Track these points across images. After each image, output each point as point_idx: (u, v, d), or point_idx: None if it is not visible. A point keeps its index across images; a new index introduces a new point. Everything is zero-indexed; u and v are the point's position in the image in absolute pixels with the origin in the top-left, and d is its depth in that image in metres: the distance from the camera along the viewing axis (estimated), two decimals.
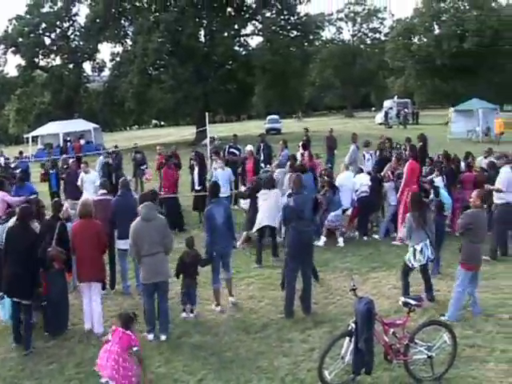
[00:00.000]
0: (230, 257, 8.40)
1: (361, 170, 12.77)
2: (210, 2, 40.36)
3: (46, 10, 46.85)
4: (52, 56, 48.45)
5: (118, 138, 43.19)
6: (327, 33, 72.07)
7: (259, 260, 10.22)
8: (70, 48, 47.72)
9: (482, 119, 30.60)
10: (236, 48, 43.07)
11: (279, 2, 42.40)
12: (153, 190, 9.60)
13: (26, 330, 7.10)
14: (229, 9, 43.06)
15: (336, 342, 5.77)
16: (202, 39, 42.44)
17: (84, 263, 7.48)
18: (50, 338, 7.41)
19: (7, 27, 45.47)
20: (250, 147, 14.89)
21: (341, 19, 75.02)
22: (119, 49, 45.66)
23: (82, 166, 14.04)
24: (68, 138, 36.16)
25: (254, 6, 42.87)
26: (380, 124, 45.75)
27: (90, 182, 13.22)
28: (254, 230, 10.59)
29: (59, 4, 46.85)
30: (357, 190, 11.83)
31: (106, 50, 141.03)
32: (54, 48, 48.07)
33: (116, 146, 20.85)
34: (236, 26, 42.69)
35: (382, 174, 11.91)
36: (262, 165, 14.92)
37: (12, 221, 7.63)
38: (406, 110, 45.75)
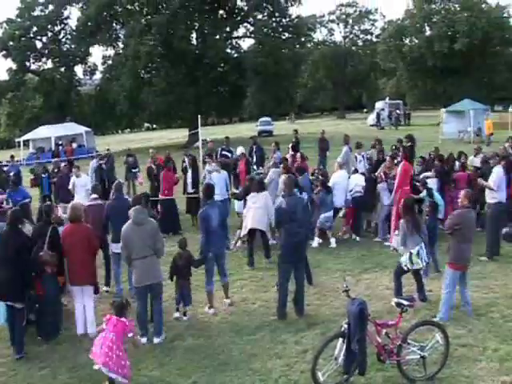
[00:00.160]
0: (225, 259, 8.43)
1: (356, 171, 12.81)
2: (202, 4, 40.38)
3: (37, 13, 46.74)
4: (43, 59, 48.42)
5: (110, 142, 42.98)
6: (319, 34, 72.55)
7: (251, 262, 10.24)
8: (61, 51, 47.63)
9: (474, 120, 30.77)
10: (228, 50, 43.05)
11: (271, 4, 42.48)
12: (145, 193, 9.57)
13: (18, 334, 7.06)
14: (220, 11, 43.08)
15: (329, 343, 5.78)
16: (194, 42, 42.41)
17: (75, 267, 7.46)
18: (43, 343, 7.38)
19: None
20: (241, 148, 14.90)
21: (332, 21, 75.44)
22: (111, 52, 45.62)
23: (74, 170, 13.99)
24: (60, 142, 36.02)
25: (246, 7, 42.93)
26: (372, 125, 45.90)
27: (82, 186, 13.19)
28: (243, 233, 10.61)
29: (50, 7, 46.69)
30: (351, 190, 11.87)
31: (98, 53, 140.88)
32: (46, 51, 47.97)
33: (108, 149, 20.80)
34: (228, 29, 42.72)
35: (376, 174, 11.97)
36: (255, 167, 14.95)
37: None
38: (397, 112, 45.93)
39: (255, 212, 10.11)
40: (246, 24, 44.52)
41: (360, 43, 76.71)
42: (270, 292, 8.65)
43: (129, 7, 41.40)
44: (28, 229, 7.86)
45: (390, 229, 11.17)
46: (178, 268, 7.90)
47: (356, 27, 75.99)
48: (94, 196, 9.67)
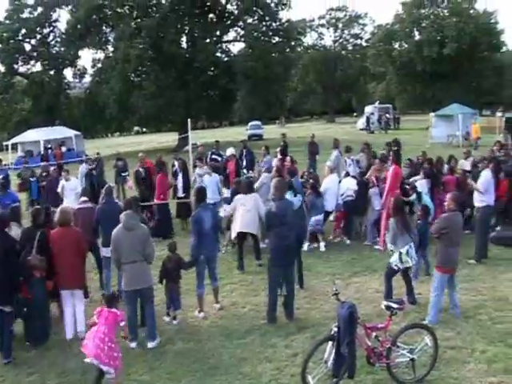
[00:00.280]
0: (217, 262, 8.43)
1: (348, 174, 12.84)
2: (192, 8, 40.40)
3: (25, 15, 46.42)
4: (32, 62, 48.05)
5: (99, 145, 42.85)
6: (309, 39, 72.89)
7: (241, 266, 10.23)
8: (50, 54, 47.33)
9: (462, 124, 31.04)
10: (218, 54, 43.09)
11: (261, 8, 42.60)
12: (135, 197, 9.54)
13: (6, 338, 6.99)
14: (210, 15, 43.15)
15: (319, 346, 5.79)
16: (184, 45, 42.41)
17: (64, 271, 7.41)
18: (31, 348, 7.32)
19: None
20: (231, 150, 14.88)
21: (322, 25, 75.91)
22: (100, 55, 45.46)
23: (64, 173, 13.92)
24: (49, 146, 35.73)
25: (236, 11, 43.01)
26: (362, 129, 46.14)
27: (71, 190, 13.13)
28: (233, 236, 10.60)
29: (39, 10, 46.45)
30: (342, 194, 11.91)
31: (88, 56, 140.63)
32: (34, 54, 47.69)
33: (98, 153, 20.72)
34: (218, 32, 42.77)
35: (366, 177, 12.04)
36: (245, 171, 14.97)
37: None
38: (387, 116, 46.26)
39: (245, 215, 10.09)
40: (236, 28, 44.67)
41: (350, 47, 77.22)
42: (260, 296, 8.65)
43: (118, 10, 41.37)
44: (16, 232, 7.81)
45: (380, 232, 11.25)
46: (168, 271, 7.89)
47: (346, 31, 76.47)
48: (84, 199, 9.61)
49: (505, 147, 15.64)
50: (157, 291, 7.69)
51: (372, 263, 10.16)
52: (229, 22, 43.81)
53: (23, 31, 45.71)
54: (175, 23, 39.58)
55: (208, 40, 40.85)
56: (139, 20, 39.81)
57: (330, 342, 5.69)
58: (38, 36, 47.40)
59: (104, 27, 43.98)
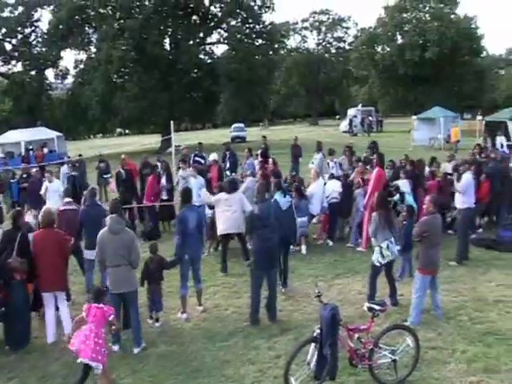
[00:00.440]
0: (201, 263, 8.40)
1: (332, 176, 12.90)
2: (175, 9, 40.29)
3: (6, 14, 45.75)
4: (13, 62, 47.44)
5: (81, 147, 42.49)
6: (292, 41, 73.14)
7: (224, 268, 10.19)
8: (31, 54, 46.70)
9: (444, 127, 31.39)
10: (201, 56, 43.09)
11: (244, 10, 42.64)
12: (116, 199, 9.44)
13: None
14: (194, 17, 43.09)
15: (302, 348, 5.79)
16: (167, 47, 42.30)
17: (46, 273, 7.32)
18: (11, 352, 7.21)
19: None
20: (214, 155, 14.84)
21: (306, 28, 76.22)
22: (83, 56, 45.12)
23: (47, 175, 13.76)
24: (30, 147, 35.23)
25: (219, 14, 42.99)
26: (344, 132, 46.42)
27: (54, 192, 12.98)
28: (219, 234, 10.53)
29: (20, 9, 45.89)
30: (327, 196, 11.96)
31: (70, 57, 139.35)
32: (15, 54, 47.07)
33: (80, 155, 20.53)
34: (201, 34, 42.77)
35: (351, 178, 12.09)
36: (228, 172, 14.94)
37: None
38: (370, 118, 46.60)
39: (230, 216, 10.04)
40: (219, 30, 44.68)
41: (333, 50, 77.61)
42: (243, 298, 8.65)
43: (101, 11, 41.03)
44: None
45: (361, 234, 11.31)
46: (150, 272, 7.83)
47: (329, 35, 76.88)
48: (68, 200, 9.51)
49: (484, 150, 15.83)
50: (139, 294, 7.62)
51: (354, 265, 10.22)
52: (212, 24, 43.80)
53: (3, 30, 45.06)
54: (158, 25, 39.48)
55: (191, 42, 40.78)
56: (122, 21, 39.59)
57: (313, 344, 5.71)
58: (19, 36, 46.76)
59: (86, 28, 43.68)
